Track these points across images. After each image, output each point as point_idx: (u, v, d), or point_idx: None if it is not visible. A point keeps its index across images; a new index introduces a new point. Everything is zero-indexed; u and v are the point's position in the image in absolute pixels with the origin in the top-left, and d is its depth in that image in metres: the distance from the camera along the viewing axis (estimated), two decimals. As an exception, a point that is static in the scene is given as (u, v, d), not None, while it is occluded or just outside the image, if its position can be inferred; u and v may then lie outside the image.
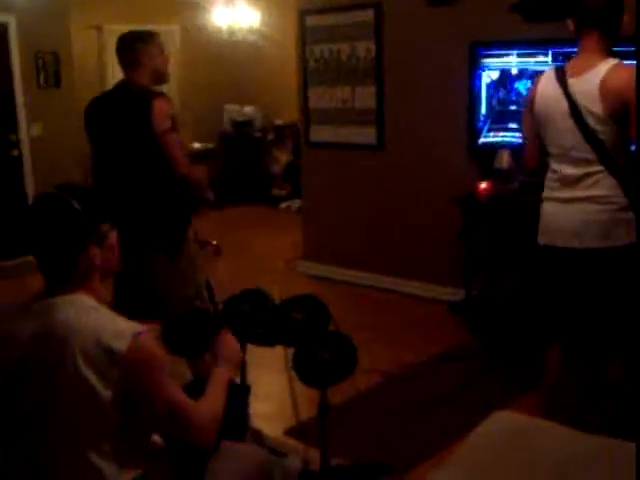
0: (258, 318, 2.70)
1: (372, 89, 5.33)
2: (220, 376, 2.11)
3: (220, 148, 9.25)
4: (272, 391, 3.76)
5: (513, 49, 4.47)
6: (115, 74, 8.64)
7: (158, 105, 3.30)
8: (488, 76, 4.60)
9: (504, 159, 4.42)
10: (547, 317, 3.07)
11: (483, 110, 4.64)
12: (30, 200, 6.85)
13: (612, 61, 2.70)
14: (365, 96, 5.38)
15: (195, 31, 8.96)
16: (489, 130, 4.63)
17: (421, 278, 5.28)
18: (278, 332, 2.66)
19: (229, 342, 2.26)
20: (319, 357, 2.47)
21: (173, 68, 9.32)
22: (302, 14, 5.66)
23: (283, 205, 8.86)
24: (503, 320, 4.30)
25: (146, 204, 3.43)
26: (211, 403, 1.97)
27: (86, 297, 1.80)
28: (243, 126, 9.14)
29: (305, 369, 2.49)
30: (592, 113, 2.67)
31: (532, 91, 2.95)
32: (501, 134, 4.57)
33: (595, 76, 2.67)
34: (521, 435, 2.22)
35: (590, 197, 2.73)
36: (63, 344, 1.72)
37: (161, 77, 3.52)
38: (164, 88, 3.67)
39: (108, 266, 1.87)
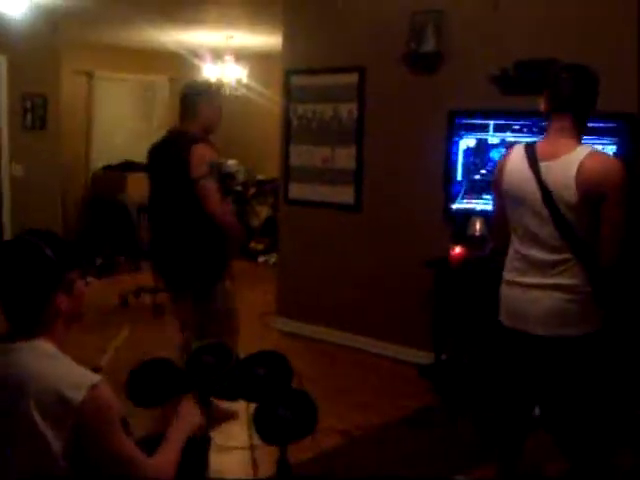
0: (221, 372, 2.70)
1: (352, 150, 5.42)
2: (177, 433, 2.11)
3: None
4: (233, 445, 3.72)
5: (490, 119, 4.58)
6: (103, 120, 8.84)
7: (196, 151, 3.52)
8: (465, 144, 4.70)
9: (477, 226, 4.48)
10: (516, 403, 2.97)
11: (459, 176, 4.73)
12: (4, 240, 6.84)
13: (586, 147, 2.66)
14: (345, 157, 5.47)
15: (183, 83, 9.08)
16: (464, 196, 4.71)
17: (392, 339, 5.29)
18: (240, 387, 2.65)
19: (191, 407, 2.27)
20: (279, 414, 2.47)
21: (160, 118, 9.48)
22: (288, 74, 5.77)
23: (261, 259, 8.89)
24: (469, 388, 4.31)
25: (182, 245, 3.69)
26: (162, 460, 1.96)
27: (47, 344, 1.80)
28: (225, 179, 9.16)
29: (265, 426, 2.48)
30: (566, 201, 2.59)
31: (500, 167, 2.85)
32: (475, 201, 4.65)
33: (570, 163, 2.59)
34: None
35: (558, 285, 2.66)
36: (19, 390, 1.71)
37: (211, 127, 3.79)
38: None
39: (73, 313, 1.88)
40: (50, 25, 6.98)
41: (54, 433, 1.70)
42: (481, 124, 4.64)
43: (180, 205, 3.64)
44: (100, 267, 8.09)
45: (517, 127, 4.48)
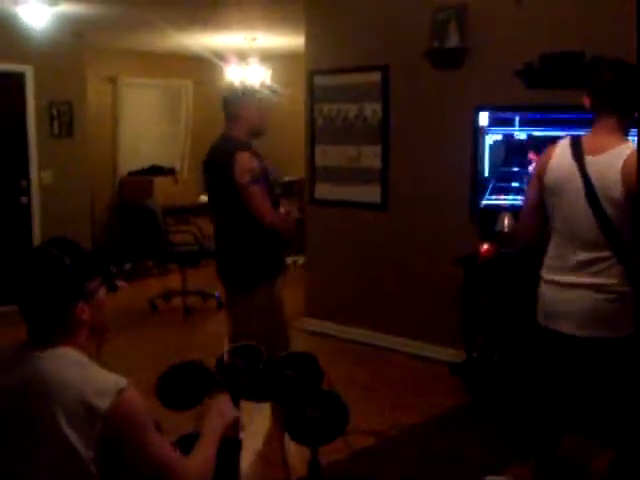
0: (251, 374, 2.70)
1: (378, 149, 5.40)
2: (211, 432, 2.10)
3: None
4: (265, 448, 3.73)
5: (516, 113, 4.54)
6: (129, 125, 8.90)
7: (239, 159, 3.56)
8: (492, 139, 4.66)
9: (505, 222, 4.43)
10: (551, 402, 2.92)
11: (486, 172, 4.69)
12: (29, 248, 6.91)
13: (630, 145, 2.61)
14: (370, 156, 5.45)
15: (208, 86, 9.13)
16: (492, 192, 4.67)
17: (422, 338, 5.27)
18: (271, 388, 2.65)
19: (226, 404, 2.26)
20: (309, 415, 2.46)
21: (186, 122, 9.53)
22: (311, 74, 5.77)
23: (289, 260, 8.87)
24: (500, 386, 4.27)
25: (233, 249, 3.76)
26: (200, 459, 1.95)
27: (71, 351, 1.80)
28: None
29: (295, 427, 2.47)
30: (609, 197, 2.55)
31: (544, 160, 2.78)
32: (503, 197, 4.61)
33: (615, 159, 2.55)
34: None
35: (597, 285, 2.60)
36: (44, 398, 1.71)
37: (257, 130, 3.83)
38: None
39: (96, 322, 1.88)
40: (73, 33, 7.04)
41: (83, 442, 1.69)
42: (507, 119, 4.60)
43: (227, 208, 3.69)
44: (129, 272, 8.16)
45: (543, 121, 4.43)
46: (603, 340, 2.62)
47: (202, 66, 9.07)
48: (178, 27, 7.38)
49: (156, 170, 9.04)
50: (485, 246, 4.47)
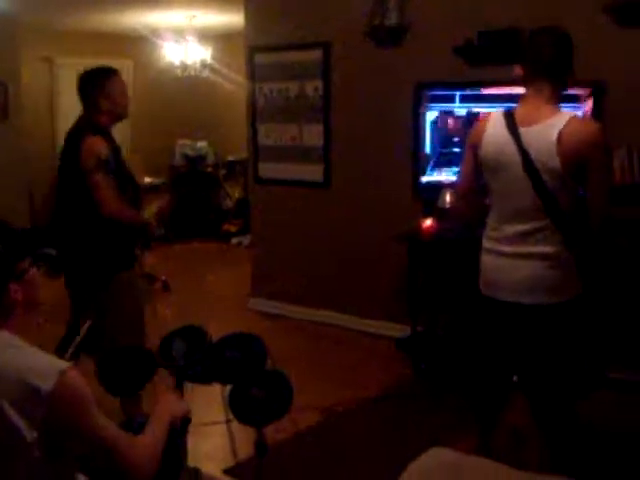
0: (195, 356, 2.68)
1: (320, 127, 5.38)
2: (161, 414, 2.08)
3: (172, 183, 9.22)
4: (211, 429, 3.72)
5: (456, 90, 4.57)
6: (67, 107, 8.68)
7: (87, 144, 3.33)
8: (432, 116, 4.68)
9: (447, 198, 4.48)
10: (494, 370, 2.98)
11: (427, 149, 4.72)
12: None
13: (567, 113, 2.63)
14: (313, 134, 5.43)
15: (148, 66, 8.98)
16: (433, 169, 4.71)
17: (369, 315, 5.30)
18: (214, 370, 2.63)
19: (172, 395, 2.24)
20: (254, 395, 2.45)
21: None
22: (251, 51, 5.70)
23: (234, 241, 8.84)
24: (445, 359, 4.33)
25: (77, 241, 3.48)
26: (150, 439, 1.93)
27: (8, 335, 1.77)
28: (195, 161, 9.14)
29: (240, 407, 2.46)
30: (547, 167, 2.56)
31: (477, 133, 2.78)
32: (444, 173, 4.65)
33: (551, 129, 2.56)
34: (455, 470, 2.23)
35: (539, 254, 2.65)
36: None
37: (120, 114, 3.55)
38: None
39: (30, 300, 1.84)
40: (5, 12, 6.84)
41: (27, 424, 1.67)
42: (447, 95, 4.63)
43: (77, 198, 3.45)
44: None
45: (483, 97, 4.47)
46: (543, 307, 2.68)
47: (142, 46, 8.91)
48: (116, 5, 7.23)
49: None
50: (428, 222, 4.50)
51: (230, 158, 9.15)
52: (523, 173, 2.61)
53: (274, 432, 3.37)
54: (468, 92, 4.54)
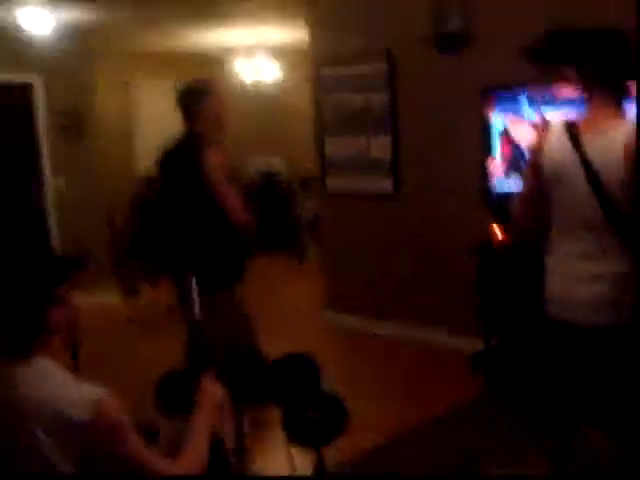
0: (251, 376, 2.65)
1: (387, 138, 5.30)
2: (201, 422, 2.02)
3: (247, 199, 9.27)
4: (270, 450, 3.65)
5: (523, 93, 4.41)
6: (145, 127, 8.88)
7: (209, 156, 3.45)
8: (502, 122, 4.54)
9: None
10: (565, 394, 2.80)
11: (497, 156, 4.57)
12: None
13: (631, 122, 2.44)
14: (380, 146, 5.36)
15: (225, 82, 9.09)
16: (505, 177, 4.56)
17: (442, 327, 5.17)
18: (270, 391, 2.60)
19: (209, 386, 2.17)
20: (308, 417, 2.40)
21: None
22: (317, 66, 5.69)
23: (311, 254, 8.82)
24: (516, 376, 4.16)
25: (202, 253, 3.58)
26: (189, 459, 1.89)
27: (45, 361, 1.77)
28: (269, 177, 9.18)
29: (294, 429, 2.42)
30: (613, 178, 2.40)
31: (537, 146, 2.62)
32: (515, 180, 4.49)
33: (615, 139, 2.41)
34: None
35: (604, 272, 2.46)
36: (22, 415, 1.68)
37: (220, 126, 3.66)
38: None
39: (68, 328, 1.84)
40: (81, 39, 7.03)
41: (63, 455, 1.66)
42: (515, 99, 4.47)
43: (201, 208, 3.58)
44: (154, 274, 8.12)
45: (552, 99, 4.30)
46: (617, 328, 2.49)
47: (215, 65, 9.02)
48: (186, 25, 7.36)
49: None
50: (498, 232, 4.36)
51: (304, 172, 9.15)
52: (586, 185, 2.45)
53: (335, 454, 3.31)
54: (536, 94, 4.37)
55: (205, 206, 3.53)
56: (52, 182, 7.02)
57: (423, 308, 5.28)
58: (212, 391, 2.11)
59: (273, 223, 9.07)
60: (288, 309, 6.56)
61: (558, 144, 2.54)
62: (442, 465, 3.50)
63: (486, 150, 4.61)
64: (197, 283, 3.79)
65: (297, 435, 2.42)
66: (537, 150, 2.63)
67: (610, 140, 2.42)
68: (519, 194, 2.81)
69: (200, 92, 3.67)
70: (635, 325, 2.49)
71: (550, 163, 2.56)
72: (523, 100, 4.43)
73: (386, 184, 5.36)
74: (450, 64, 4.89)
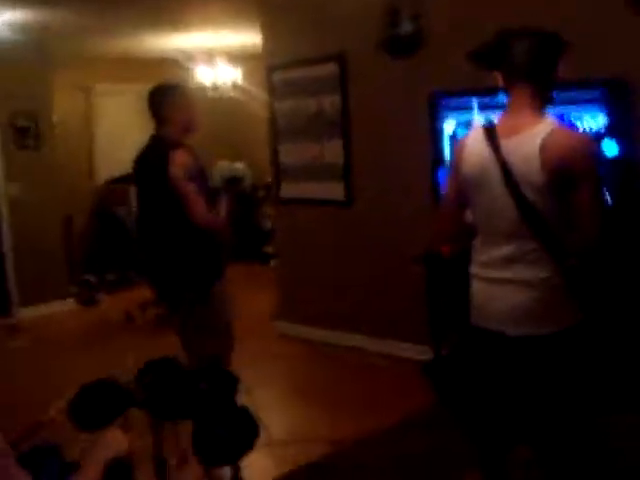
0: (166, 390, 2.52)
1: (339, 144, 5.20)
2: (91, 463, 1.94)
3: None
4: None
5: (473, 98, 4.33)
6: (105, 133, 8.74)
7: (174, 156, 3.41)
8: (451, 126, 4.45)
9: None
10: (492, 409, 2.68)
11: (447, 160, 4.48)
12: (6, 259, 6.81)
13: (550, 122, 2.34)
14: (333, 151, 5.26)
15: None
16: (453, 182, 4.46)
17: (393, 336, 5.07)
18: (183, 406, 2.47)
19: (114, 435, 2.09)
20: (216, 433, 2.28)
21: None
22: (269, 70, 5.59)
23: (273, 262, 8.70)
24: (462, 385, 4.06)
25: (171, 256, 3.60)
26: None
27: None
28: (233, 183, 9.04)
29: (202, 447, 2.30)
30: (530, 182, 2.28)
31: (459, 149, 2.54)
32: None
33: (532, 139, 2.29)
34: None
35: (526, 280, 2.36)
36: None
37: (190, 128, 3.66)
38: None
39: None
40: (37, 43, 6.89)
41: None
42: (465, 104, 4.39)
43: (165, 212, 3.54)
44: (112, 282, 8.00)
45: (502, 105, 4.20)
46: (538, 338, 2.38)
47: (176, 69, 8.89)
48: (145, 30, 7.23)
49: (131, 177, 8.85)
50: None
51: (269, 179, 9.03)
52: (505, 189, 2.34)
53: (281, 463, 3.22)
54: (487, 99, 4.28)
55: (170, 210, 3.49)
56: (6, 188, 6.85)
57: (377, 317, 5.18)
58: (116, 441, 2.03)
59: (237, 230, 8.94)
60: (243, 318, 6.42)
61: (477, 147, 2.44)
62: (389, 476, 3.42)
63: (437, 155, 4.52)
64: (165, 289, 3.79)
65: (205, 453, 2.29)
66: (458, 154, 2.54)
67: (527, 140, 2.31)
68: (442, 199, 2.72)
69: (170, 93, 3.65)
70: (563, 334, 2.39)
71: (469, 167, 2.46)
72: (474, 105, 4.35)
73: (339, 191, 5.26)
74: (402, 68, 4.80)
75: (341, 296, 5.38)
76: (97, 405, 2.55)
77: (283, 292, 5.87)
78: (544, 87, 2.39)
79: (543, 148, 2.26)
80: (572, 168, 2.25)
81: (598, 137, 3.73)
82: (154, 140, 3.65)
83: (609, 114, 3.76)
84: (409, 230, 4.85)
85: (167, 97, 3.62)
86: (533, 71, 2.37)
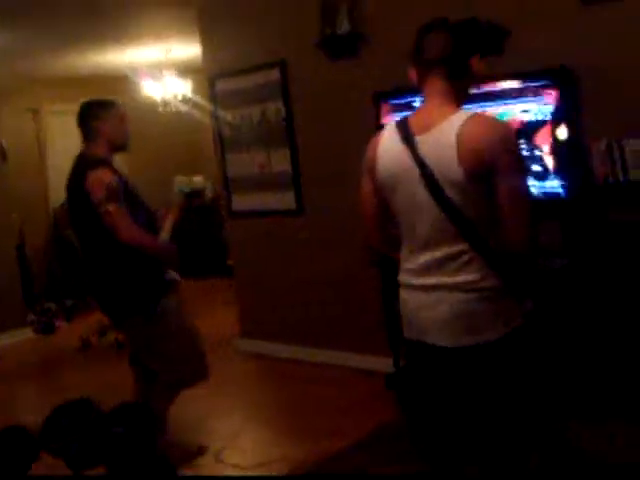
0: (76, 435, 2.31)
1: (286, 152, 5.01)
2: None
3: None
4: None
5: (417, 97, 4.14)
6: (57, 154, 8.50)
7: (92, 177, 3.26)
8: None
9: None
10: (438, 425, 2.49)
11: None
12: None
13: (465, 112, 2.16)
14: (280, 159, 5.06)
15: (136, 105, 8.75)
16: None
17: (358, 348, 4.86)
18: (98, 452, 2.26)
19: None
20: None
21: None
22: (212, 79, 5.39)
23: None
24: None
25: (107, 278, 3.46)
26: None
27: None
28: (193, 197, 8.84)
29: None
30: (449, 179, 2.10)
31: (372, 149, 2.33)
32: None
33: (448, 132, 2.10)
34: None
35: (456, 284, 2.16)
36: None
37: (120, 146, 3.51)
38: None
39: None
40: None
41: None
42: (410, 104, 4.20)
43: (95, 233, 3.39)
44: (70, 309, 7.74)
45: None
46: (477, 347, 2.18)
47: (128, 84, 8.68)
48: (91, 46, 7.04)
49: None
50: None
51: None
52: (424, 189, 2.15)
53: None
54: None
55: (99, 230, 3.33)
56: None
57: (338, 330, 4.98)
58: None
59: (198, 246, 8.71)
60: (204, 336, 6.22)
61: (390, 146, 2.25)
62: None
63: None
64: (110, 312, 3.63)
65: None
66: (371, 155, 2.34)
67: (442, 134, 2.12)
68: (362, 205, 2.51)
69: (99, 109, 3.50)
70: (503, 341, 2.19)
71: (383, 168, 2.27)
72: (416, 104, 4.17)
73: (289, 200, 5.06)
74: (344, 70, 4.62)
75: (298, 310, 5.18)
76: (4, 454, 2.34)
77: (243, 308, 5.67)
78: (458, 77, 2.20)
79: (459, 140, 2.07)
80: (488, 159, 2.06)
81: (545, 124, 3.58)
82: (78, 159, 3.49)
83: (557, 102, 3.60)
84: (362, 235, 4.65)
85: (95, 113, 3.48)
86: (444, 60, 2.18)
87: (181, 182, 8.96)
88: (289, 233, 5.15)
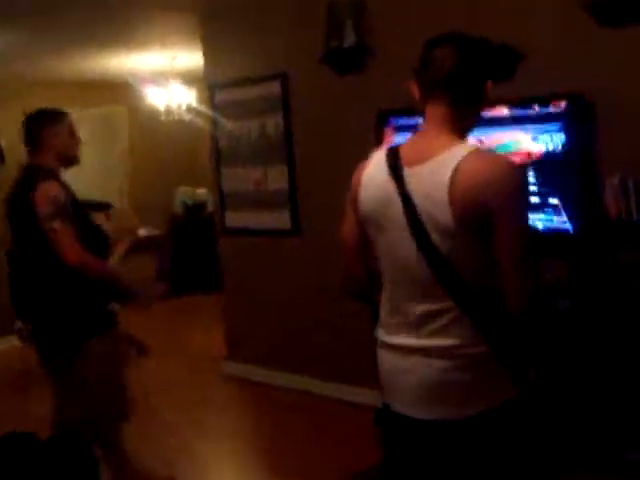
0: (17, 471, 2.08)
1: (283, 169, 4.79)
2: None
3: (172, 234, 8.73)
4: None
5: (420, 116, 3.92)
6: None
7: (40, 190, 2.98)
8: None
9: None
10: None
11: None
12: None
13: (467, 145, 1.86)
14: (277, 177, 4.84)
15: (143, 112, 8.59)
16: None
17: (352, 378, 4.60)
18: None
19: None
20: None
21: (122, 151, 8.95)
22: (211, 89, 5.19)
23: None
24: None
25: (43, 304, 3.10)
26: None
27: None
28: (195, 209, 8.64)
29: None
30: (436, 222, 1.80)
31: (356, 178, 2.04)
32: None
33: (443, 166, 1.79)
34: None
35: (436, 348, 1.86)
36: None
37: (69, 159, 3.24)
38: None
39: None
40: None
41: None
42: (416, 124, 3.97)
43: (33, 249, 3.08)
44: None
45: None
46: (455, 423, 1.88)
47: (134, 92, 8.52)
48: (93, 51, 6.87)
49: (90, 206, 8.44)
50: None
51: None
52: (407, 231, 1.85)
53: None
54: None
55: (40, 248, 3.02)
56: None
57: (325, 358, 4.74)
58: None
59: (200, 260, 8.43)
60: (193, 358, 6.01)
61: (376, 176, 1.94)
62: None
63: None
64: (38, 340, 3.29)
65: None
66: (355, 184, 2.05)
67: (435, 169, 1.81)
68: (343, 239, 2.21)
69: (49, 119, 3.22)
70: (489, 417, 1.88)
71: (366, 200, 1.97)
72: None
73: (284, 219, 4.83)
74: (348, 85, 4.43)
75: (289, 334, 4.94)
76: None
77: (229, 330, 5.43)
78: (465, 102, 1.90)
79: (454, 177, 1.77)
80: (482, 201, 1.75)
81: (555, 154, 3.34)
82: (26, 170, 3.19)
83: (569, 130, 3.36)
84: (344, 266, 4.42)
85: (45, 122, 3.21)
86: (449, 81, 1.88)
87: (184, 193, 8.79)
88: (283, 254, 4.92)
